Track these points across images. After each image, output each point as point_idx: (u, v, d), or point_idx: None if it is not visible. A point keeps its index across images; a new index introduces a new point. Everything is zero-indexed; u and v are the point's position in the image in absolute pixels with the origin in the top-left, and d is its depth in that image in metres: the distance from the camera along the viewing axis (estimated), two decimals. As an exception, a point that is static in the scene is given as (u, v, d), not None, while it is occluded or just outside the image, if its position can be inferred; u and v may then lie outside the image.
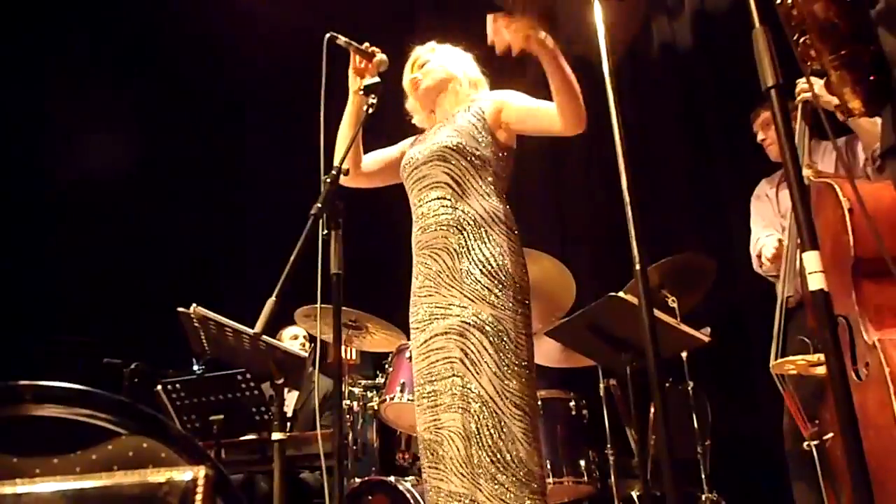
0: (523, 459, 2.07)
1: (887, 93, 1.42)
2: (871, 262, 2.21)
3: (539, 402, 2.27)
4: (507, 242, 2.25)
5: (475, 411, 2.09)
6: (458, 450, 2.09)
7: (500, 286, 2.18)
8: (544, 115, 2.27)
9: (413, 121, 2.64)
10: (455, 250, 2.23)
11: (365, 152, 2.63)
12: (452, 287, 2.22)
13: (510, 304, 2.18)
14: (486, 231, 2.24)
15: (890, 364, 2.06)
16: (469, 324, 2.16)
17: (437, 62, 2.54)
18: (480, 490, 2.04)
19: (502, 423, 2.08)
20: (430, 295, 2.27)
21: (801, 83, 2.65)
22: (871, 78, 1.41)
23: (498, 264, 2.20)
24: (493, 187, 2.32)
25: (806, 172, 2.58)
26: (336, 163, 2.08)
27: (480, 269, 2.20)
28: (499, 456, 2.06)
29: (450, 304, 2.21)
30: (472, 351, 2.13)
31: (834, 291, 2.27)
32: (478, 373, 2.11)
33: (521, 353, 2.16)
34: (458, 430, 2.10)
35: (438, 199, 2.31)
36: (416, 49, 2.60)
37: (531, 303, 2.29)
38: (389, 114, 2.61)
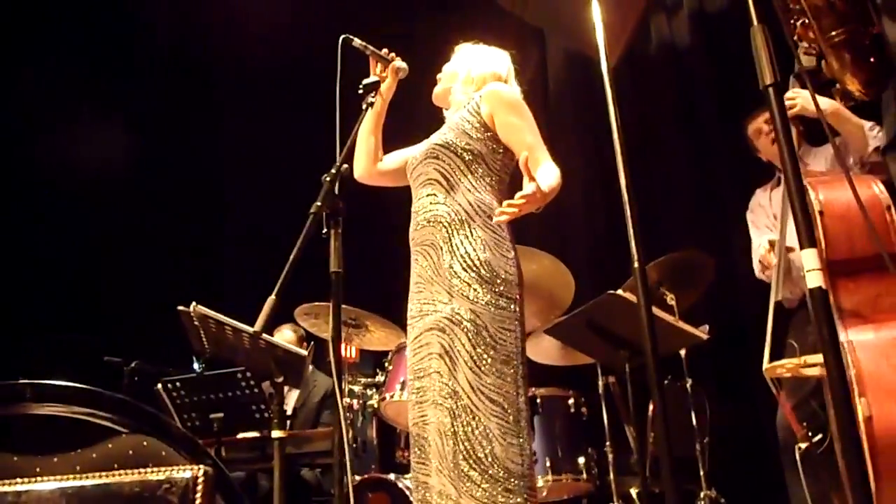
0: (498, 456, 2.05)
1: (886, 76, 1.42)
2: (841, 264, 2.21)
3: (528, 399, 2.22)
4: (491, 236, 2.23)
5: (451, 407, 2.09)
6: (438, 446, 2.09)
7: (480, 281, 2.18)
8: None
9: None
10: (440, 246, 2.24)
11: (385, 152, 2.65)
12: (438, 283, 2.22)
13: (490, 299, 2.17)
14: (468, 225, 2.24)
15: (854, 365, 2.06)
16: (449, 319, 2.16)
17: (451, 66, 2.57)
18: (454, 486, 2.03)
19: (476, 420, 2.07)
20: (420, 291, 2.28)
21: (788, 96, 2.65)
22: (872, 60, 1.41)
23: (479, 259, 2.20)
24: (483, 181, 2.32)
25: None
26: (338, 162, 2.08)
27: (461, 264, 2.20)
28: (471, 452, 2.04)
29: (435, 300, 2.21)
30: (450, 347, 2.14)
31: None
32: (455, 368, 2.11)
33: (501, 349, 2.14)
34: (437, 427, 2.10)
35: (428, 195, 2.33)
36: (457, 48, 2.63)
37: (526, 299, 2.28)
38: (403, 114, 2.62)
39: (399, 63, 2.48)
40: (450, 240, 2.23)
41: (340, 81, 2.27)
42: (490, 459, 2.04)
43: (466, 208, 2.26)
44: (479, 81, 2.48)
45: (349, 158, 2.26)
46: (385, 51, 2.48)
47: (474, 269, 2.19)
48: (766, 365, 2.55)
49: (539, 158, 2.27)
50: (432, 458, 2.11)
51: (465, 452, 2.04)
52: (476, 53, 2.57)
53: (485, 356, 2.12)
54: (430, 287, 2.24)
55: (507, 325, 2.18)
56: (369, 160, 2.59)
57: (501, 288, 2.19)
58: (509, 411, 2.10)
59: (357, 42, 2.37)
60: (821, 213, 2.23)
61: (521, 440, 2.10)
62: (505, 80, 2.51)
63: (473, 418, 2.07)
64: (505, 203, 2.05)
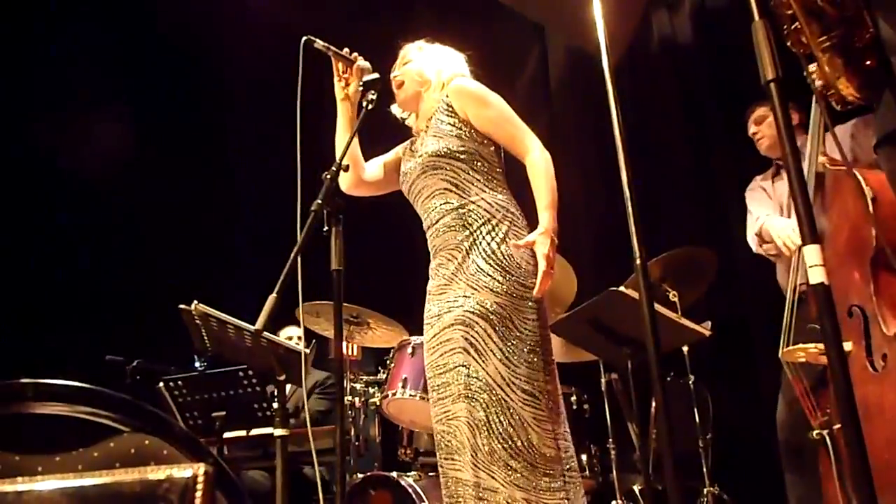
0: (534, 444, 2.10)
1: (883, 80, 1.41)
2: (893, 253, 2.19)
3: (557, 383, 2.26)
4: (511, 230, 2.27)
5: (483, 400, 2.11)
6: (471, 439, 2.11)
7: (504, 273, 2.21)
8: (510, 148, 2.38)
9: (403, 121, 2.61)
10: (466, 248, 2.26)
11: (365, 155, 2.61)
12: (462, 280, 2.24)
13: (514, 291, 2.20)
14: (489, 221, 2.27)
15: None
16: (473, 312, 2.17)
17: (417, 66, 2.51)
18: (494, 477, 2.06)
19: (511, 410, 2.11)
20: (443, 292, 2.29)
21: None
22: (867, 63, 1.40)
23: (501, 251, 2.23)
24: (490, 176, 2.35)
25: (821, 159, 2.56)
26: (338, 163, 2.08)
27: (485, 259, 2.23)
28: (510, 442, 2.08)
29: (457, 297, 2.23)
30: (477, 339, 2.15)
31: (850, 281, 2.28)
32: (484, 361, 2.13)
33: (527, 339, 2.18)
34: (465, 419, 2.11)
35: (443, 204, 2.33)
36: (407, 46, 2.57)
37: None
38: (387, 115, 2.60)
39: (362, 63, 2.43)
40: (474, 238, 2.26)
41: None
42: (528, 448, 2.10)
43: (486, 207, 2.30)
44: (448, 84, 2.46)
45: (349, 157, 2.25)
46: (346, 50, 2.43)
47: (497, 261, 2.22)
48: (783, 348, 2.54)
49: (528, 147, 2.34)
50: (464, 452, 2.11)
51: (504, 443, 2.08)
52: (441, 55, 2.54)
53: (512, 348, 2.16)
54: (454, 286, 2.26)
55: (529, 314, 2.22)
56: (354, 170, 2.54)
57: (523, 279, 2.23)
58: (541, 399, 2.16)
59: (319, 44, 2.33)
60: (873, 199, 2.20)
61: (554, 426, 2.16)
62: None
63: (508, 409, 2.11)
64: (536, 292, 2.18)
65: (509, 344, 2.15)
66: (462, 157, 2.33)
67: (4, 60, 4.73)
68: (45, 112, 4.91)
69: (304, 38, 2.29)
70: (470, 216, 2.28)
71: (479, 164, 2.34)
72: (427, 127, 2.45)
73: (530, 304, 2.22)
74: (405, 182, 2.46)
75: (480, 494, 2.07)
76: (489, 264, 2.22)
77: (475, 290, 2.20)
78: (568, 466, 2.15)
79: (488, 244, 2.24)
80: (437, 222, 2.34)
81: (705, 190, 4.60)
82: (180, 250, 5.06)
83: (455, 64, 2.53)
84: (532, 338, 2.20)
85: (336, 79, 2.47)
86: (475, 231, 2.26)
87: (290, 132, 2.11)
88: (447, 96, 2.41)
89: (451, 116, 2.38)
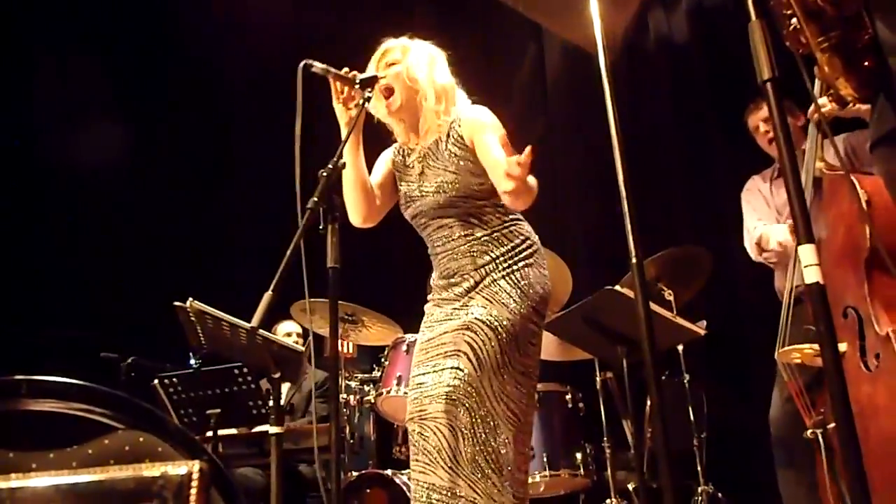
0: (511, 461, 2.11)
1: (880, 80, 1.41)
2: (887, 255, 2.20)
3: (534, 407, 2.28)
4: (531, 254, 2.27)
5: (470, 406, 2.09)
6: (445, 442, 2.09)
7: (521, 293, 2.20)
8: (496, 176, 2.16)
9: (377, 117, 2.41)
10: (487, 271, 2.24)
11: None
12: (477, 294, 2.23)
13: (527, 312, 2.20)
14: (512, 249, 2.25)
15: None
16: (482, 321, 2.16)
17: (405, 70, 2.31)
18: (475, 488, 2.05)
19: (496, 423, 2.11)
20: (453, 305, 2.27)
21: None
22: (865, 64, 1.41)
23: (522, 273, 2.22)
24: (505, 206, 2.29)
25: (818, 165, 2.59)
26: (335, 160, 2.06)
27: (503, 276, 2.22)
28: (494, 455, 2.08)
29: (467, 306, 2.22)
30: (479, 347, 2.14)
31: (845, 282, 2.30)
32: (480, 370, 2.12)
33: (524, 361, 2.19)
34: (445, 422, 2.09)
35: (462, 236, 2.28)
36: (388, 42, 2.38)
37: None
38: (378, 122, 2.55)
39: (363, 77, 2.24)
40: (495, 263, 2.24)
41: (303, 111, 2.06)
42: (505, 464, 2.10)
43: (509, 236, 2.28)
44: (449, 100, 2.34)
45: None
46: (345, 70, 2.24)
47: (515, 281, 2.22)
48: (779, 349, 2.56)
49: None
50: (436, 455, 2.09)
51: (486, 454, 2.08)
52: (428, 58, 2.37)
53: (509, 367, 2.16)
54: (465, 298, 2.24)
55: (533, 339, 2.23)
56: (370, 203, 2.36)
57: (536, 304, 2.23)
58: (522, 420, 2.16)
59: (318, 66, 2.15)
60: (867, 202, 2.22)
61: (523, 449, 2.18)
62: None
63: (493, 422, 2.11)
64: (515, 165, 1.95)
65: (508, 362, 2.15)
66: (480, 192, 2.27)
67: (6, 59, 4.72)
68: (44, 109, 4.90)
69: (302, 63, 2.11)
70: (492, 244, 2.26)
71: (494, 196, 2.27)
72: (433, 150, 2.32)
73: (536, 329, 2.23)
74: (409, 206, 2.35)
75: (451, 501, 2.05)
76: (508, 282, 2.21)
77: (490, 302, 2.19)
78: (526, 492, 2.18)
79: (509, 265, 2.23)
80: (454, 250, 2.28)
81: (701, 188, 4.61)
82: (176, 247, 5.06)
83: (443, 69, 2.38)
84: (528, 362, 2.20)
85: (335, 101, 2.28)
86: (497, 258, 2.24)
87: (290, 130, 2.09)
88: (460, 125, 2.29)
89: (464, 150, 2.27)
